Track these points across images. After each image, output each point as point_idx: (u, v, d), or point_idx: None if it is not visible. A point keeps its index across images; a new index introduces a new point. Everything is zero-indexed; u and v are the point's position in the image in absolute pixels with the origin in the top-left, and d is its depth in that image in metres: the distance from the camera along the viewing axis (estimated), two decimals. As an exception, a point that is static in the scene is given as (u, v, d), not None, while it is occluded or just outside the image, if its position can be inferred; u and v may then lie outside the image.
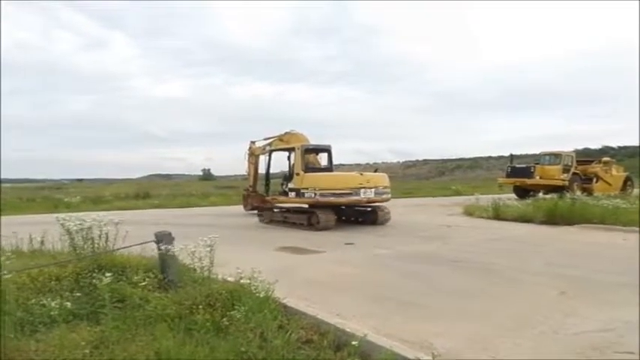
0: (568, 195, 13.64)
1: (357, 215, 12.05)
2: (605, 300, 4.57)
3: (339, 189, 10.59)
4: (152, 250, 4.38)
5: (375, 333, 3.35)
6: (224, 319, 3.30)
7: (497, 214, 12.78)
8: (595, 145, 65.87)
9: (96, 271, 3.96)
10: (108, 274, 3.59)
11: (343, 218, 11.97)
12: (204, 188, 31.90)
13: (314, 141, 12.49)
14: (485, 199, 15.02)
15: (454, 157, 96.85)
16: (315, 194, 10.63)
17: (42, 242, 5.69)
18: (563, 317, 4.02)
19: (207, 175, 65.91)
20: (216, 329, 3.21)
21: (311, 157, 12.14)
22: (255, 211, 13.52)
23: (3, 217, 7.75)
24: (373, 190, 10.88)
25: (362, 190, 10.69)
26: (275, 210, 12.51)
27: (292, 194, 11.41)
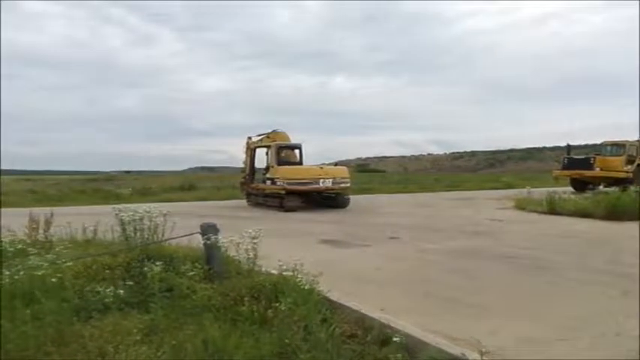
0: (632, 188, 12.81)
1: (322, 200, 14.44)
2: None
3: (302, 179, 13.21)
4: (199, 241, 4.47)
5: (422, 330, 3.26)
6: (268, 311, 3.31)
7: (553, 209, 12.11)
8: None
9: (145, 260, 4.09)
10: (158, 264, 3.69)
11: (317, 201, 14.37)
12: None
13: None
14: (539, 193, 14.35)
15: (505, 149, 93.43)
16: (284, 183, 13.19)
17: (95, 232, 5.96)
18: (625, 319, 3.75)
19: (250, 168, 66.61)
20: (261, 321, 3.23)
21: (289, 152, 14.67)
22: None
23: (57, 208, 8.24)
24: (331, 180, 13.48)
25: (321, 180, 13.33)
26: (258, 195, 15.19)
27: (269, 182, 14.18)
